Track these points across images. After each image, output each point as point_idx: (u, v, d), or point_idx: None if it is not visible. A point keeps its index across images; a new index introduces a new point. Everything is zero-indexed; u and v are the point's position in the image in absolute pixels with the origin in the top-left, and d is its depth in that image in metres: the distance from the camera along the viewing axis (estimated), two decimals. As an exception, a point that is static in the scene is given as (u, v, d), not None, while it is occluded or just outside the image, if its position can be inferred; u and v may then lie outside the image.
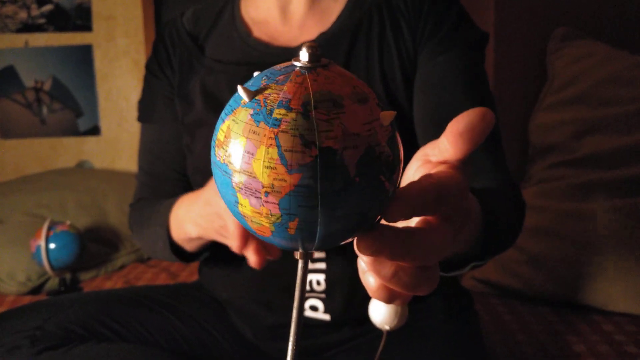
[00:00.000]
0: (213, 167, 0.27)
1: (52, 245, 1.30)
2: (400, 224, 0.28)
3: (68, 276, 1.37)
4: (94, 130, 2.03)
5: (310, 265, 0.69)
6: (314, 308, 0.70)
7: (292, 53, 0.70)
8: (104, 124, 2.02)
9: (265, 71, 0.27)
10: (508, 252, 1.21)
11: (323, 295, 0.69)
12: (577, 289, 1.12)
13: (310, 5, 0.71)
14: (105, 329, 0.72)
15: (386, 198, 0.25)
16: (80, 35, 1.96)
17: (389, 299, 0.28)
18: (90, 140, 2.02)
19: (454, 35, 0.67)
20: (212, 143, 0.27)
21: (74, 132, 2.02)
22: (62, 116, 2.01)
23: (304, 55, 0.26)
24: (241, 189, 0.25)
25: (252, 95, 0.25)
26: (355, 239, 0.26)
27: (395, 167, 0.26)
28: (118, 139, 2.02)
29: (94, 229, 1.53)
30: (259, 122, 0.24)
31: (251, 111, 0.25)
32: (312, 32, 0.71)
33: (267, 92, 0.25)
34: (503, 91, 1.44)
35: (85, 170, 1.94)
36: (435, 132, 0.67)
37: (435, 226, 0.27)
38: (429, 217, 0.27)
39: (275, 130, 0.24)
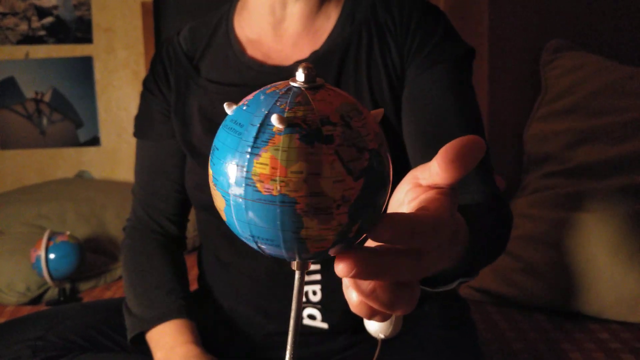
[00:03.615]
0: (255, 204, 0.26)
1: (51, 256, 1.30)
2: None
3: (67, 286, 1.38)
4: (94, 141, 2.04)
5: (305, 277, 0.70)
6: (312, 317, 0.71)
7: (285, 71, 0.70)
8: (103, 135, 2.04)
9: (270, 94, 0.27)
10: (504, 260, 1.23)
11: (319, 306, 0.70)
12: (572, 297, 1.13)
13: (303, 24, 0.72)
14: (106, 339, 0.73)
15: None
16: (80, 47, 1.98)
17: (369, 314, 0.30)
18: (90, 150, 2.04)
19: (440, 51, 0.67)
20: (247, 180, 0.26)
21: (74, 142, 2.03)
22: (62, 127, 2.03)
23: (300, 76, 0.27)
24: (308, 211, 0.25)
25: (286, 121, 0.25)
26: (334, 260, 0.27)
27: None
28: (117, 149, 2.04)
29: (93, 239, 1.54)
30: (311, 143, 0.25)
31: (297, 135, 0.25)
32: (305, 50, 0.71)
33: (299, 114, 0.26)
34: (498, 102, 1.46)
35: (85, 180, 1.95)
36: (423, 146, 0.67)
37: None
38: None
39: (332, 145, 0.25)
